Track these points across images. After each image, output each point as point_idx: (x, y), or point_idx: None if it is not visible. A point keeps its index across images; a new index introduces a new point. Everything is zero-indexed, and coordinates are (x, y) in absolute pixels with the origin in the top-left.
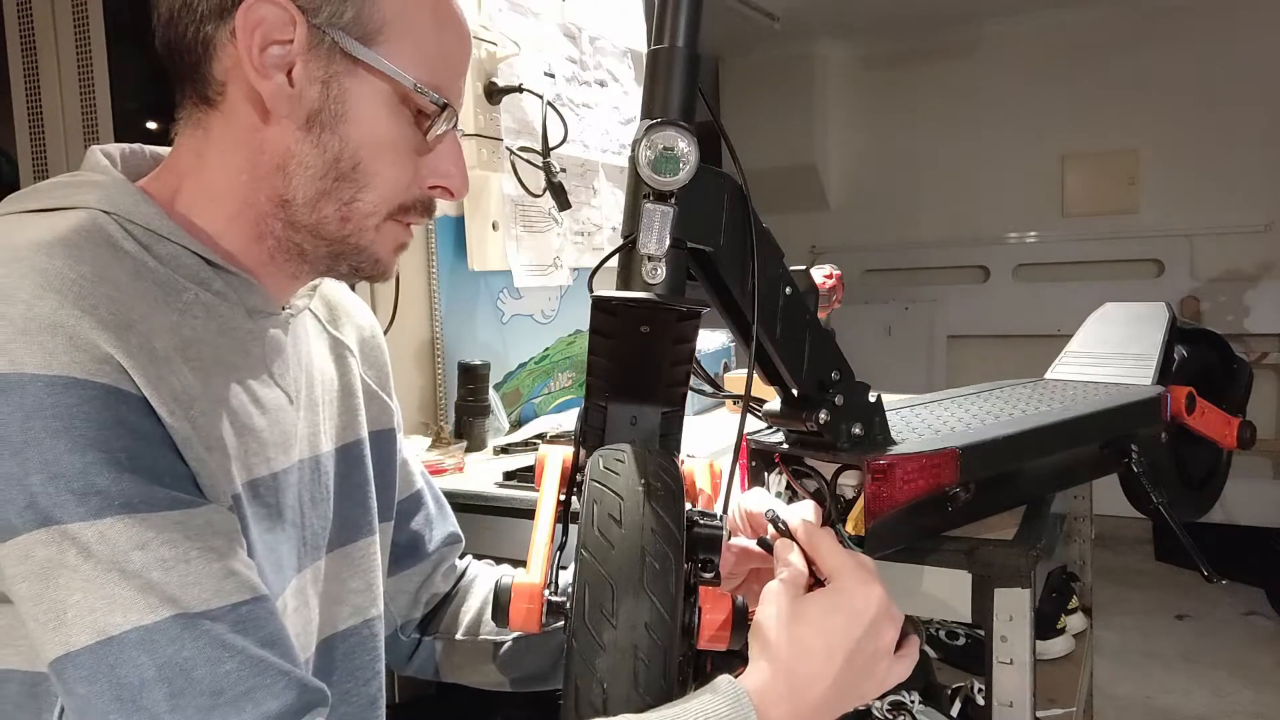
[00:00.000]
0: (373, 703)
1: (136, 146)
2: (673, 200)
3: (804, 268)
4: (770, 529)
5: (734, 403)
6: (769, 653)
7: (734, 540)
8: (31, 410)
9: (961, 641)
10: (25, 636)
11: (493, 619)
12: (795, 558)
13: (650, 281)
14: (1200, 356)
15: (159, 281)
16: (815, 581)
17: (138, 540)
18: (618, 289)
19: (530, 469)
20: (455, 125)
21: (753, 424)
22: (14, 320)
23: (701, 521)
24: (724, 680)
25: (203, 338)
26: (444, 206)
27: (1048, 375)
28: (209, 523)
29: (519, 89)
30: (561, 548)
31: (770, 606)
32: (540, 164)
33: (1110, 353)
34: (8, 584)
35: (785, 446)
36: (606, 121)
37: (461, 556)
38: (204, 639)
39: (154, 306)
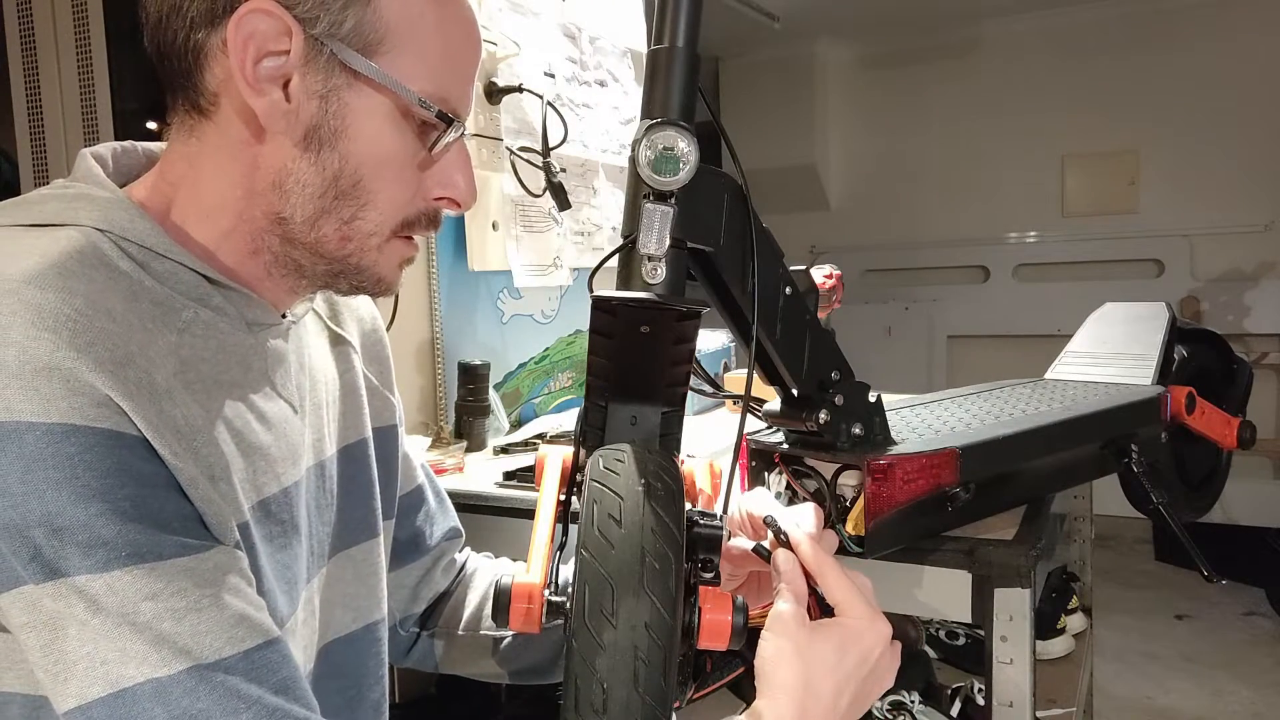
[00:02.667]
0: (376, 707)
1: (129, 145)
2: (673, 200)
3: (804, 268)
4: (769, 535)
5: (734, 403)
6: (780, 695)
7: (735, 541)
8: (32, 461)
9: (961, 641)
10: (25, 661)
11: (492, 619)
12: (795, 575)
13: (650, 281)
14: (1200, 356)
15: (156, 301)
16: (811, 591)
17: (147, 591)
18: (618, 289)
19: (530, 469)
20: (462, 134)
21: (753, 424)
22: (7, 364)
23: (701, 521)
24: None
25: (202, 357)
26: None
27: (1048, 375)
28: (217, 566)
29: (519, 89)
30: (561, 547)
31: (779, 640)
32: (540, 164)
33: (1110, 353)
34: (14, 631)
35: (785, 446)
36: (606, 121)
37: (460, 550)
38: (219, 690)
39: (151, 331)
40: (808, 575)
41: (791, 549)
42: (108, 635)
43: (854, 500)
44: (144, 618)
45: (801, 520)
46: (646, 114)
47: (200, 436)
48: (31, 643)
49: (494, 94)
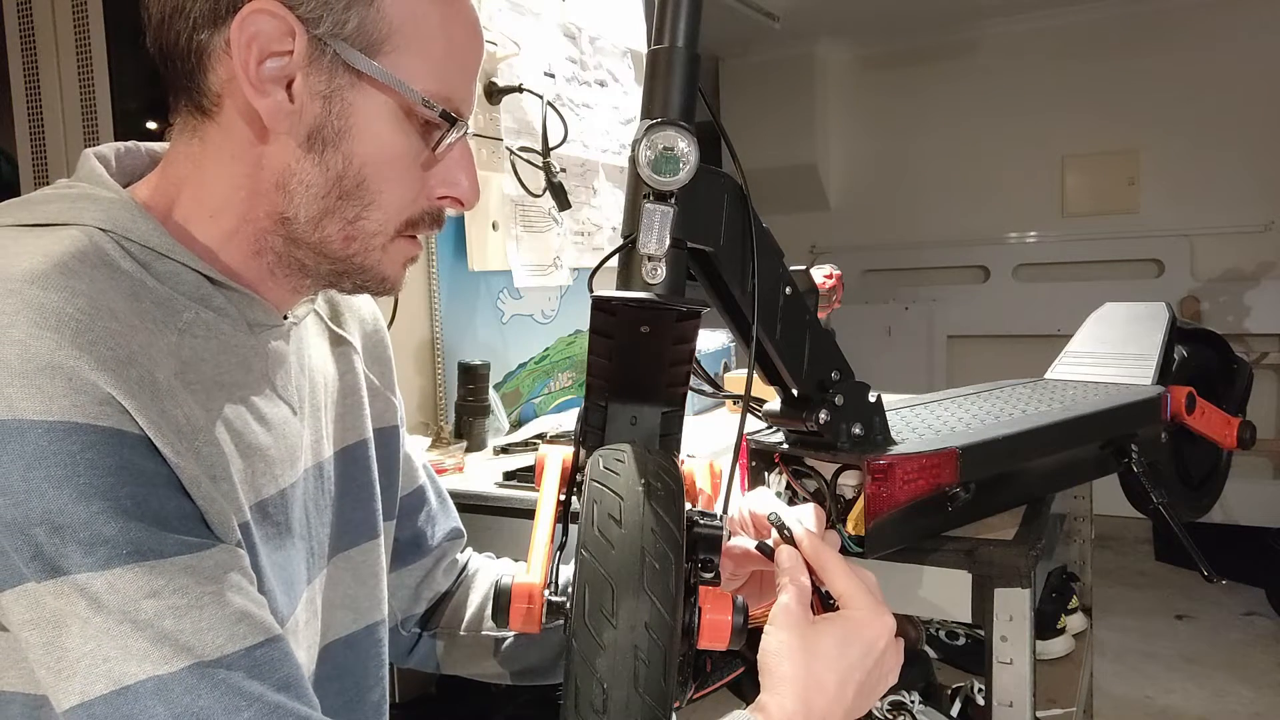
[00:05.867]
0: (377, 708)
1: (132, 145)
2: (673, 200)
3: (804, 268)
4: (774, 533)
5: (734, 403)
6: (783, 689)
7: (735, 541)
8: (33, 459)
9: (961, 641)
10: (26, 661)
11: (492, 619)
12: (799, 571)
13: (650, 281)
14: (1200, 356)
15: (158, 301)
16: (814, 590)
17: (148, 589)
18: (618, 289)
19: (530, 469)
20: (465, 133)
21: (753, 424)
22: (9, 363)
23: (701, 521)
24: (740, 716)
25: (203, 358)
26: None
27: (1048, 375)
28: (219, 564)
29: (519, 89)
30: (561, 548)
31: (782, 633)
32: (540, 164)
33: (1110, 353)
34: (15, 629)
35: (785, 446)
36: (606, 121)
37: (461, 551)
38: (220, 688)
39: (153, 331)
40: (811, 571)
41: (795, 546)
42: (109, 633)
43: (854, 500)
44: (145, 615)
45: (804, 520)
46: (646, 114)
47: (201, 436)
48: (33, 641)
49: (494, 94)
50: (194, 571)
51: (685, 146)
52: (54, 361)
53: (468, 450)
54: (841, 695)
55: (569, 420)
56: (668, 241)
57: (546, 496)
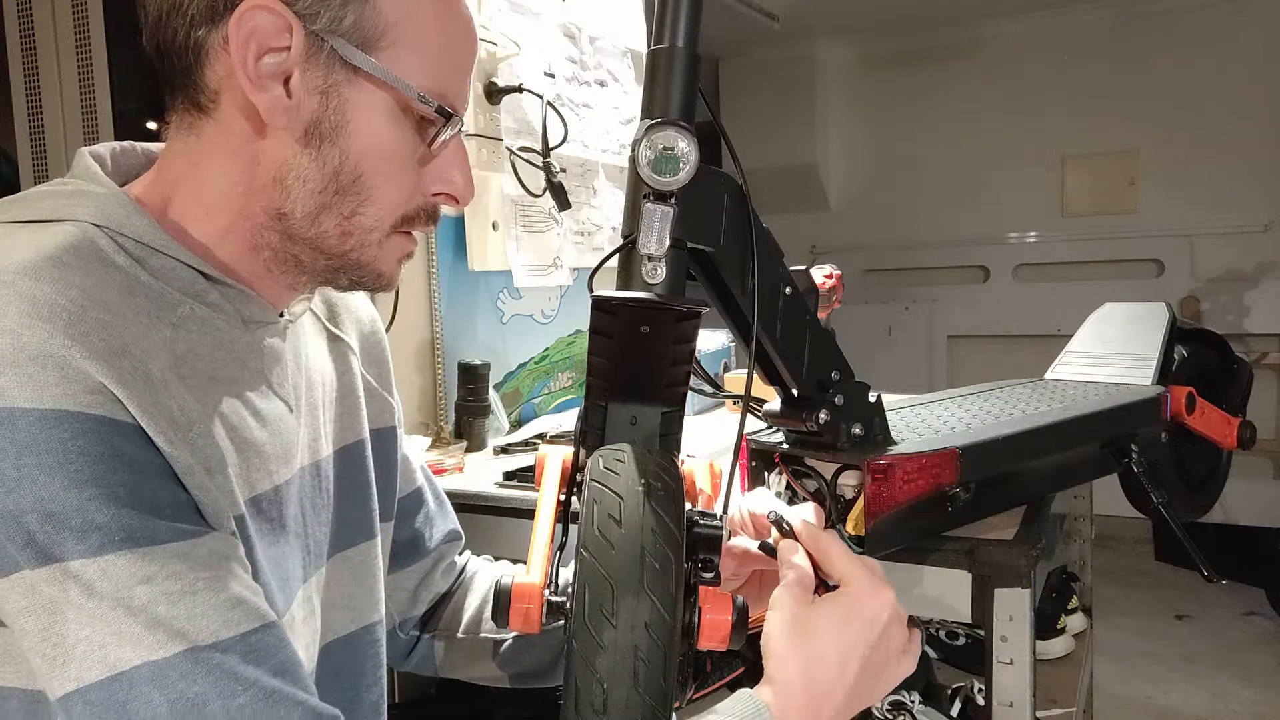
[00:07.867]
0: (375, 709)
1: (128, 145)
2: (673, 200)
3: (804, 268)
4: (774, 531)
5: (734, 403)
6: (786, 666)
7: (736, 541)
8: (24, 446)
9: (961, 641)
10: (23, 656)
11: (492, 619)
12: (800, 559)
13: (650, 281)
14: (1200, 356)
15: (152, 297)
16: (821, 583)
17: (142, 575)
18: (618, 289)
19: (530, 469)
20: (460, 130)
21: (753, 424)
22: (1, 352)
23: (701, 521)
24: (744, 694)
25: (198, 353)
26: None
27: (1048, 375)
28: (212, 551)
29: (519, 89)
30: (561, 548)
31: (781, 613)
32: (540, 164)
33: (1110, 353)
34: (10, 618)
35: (785, 446)
36: (606, 121)
37: (460, 553)
38: (215, 672)
39: (147, 325)
40: (814, 563)
41: (796, 540)
42: (103, 619)
43: (854, 500)
44: (139, 601)
45: (803, 516)
46: (646, 114)
47: (196, 428)
48: (29, 628)
49: (494, 94)
50: (187, 558)
51: (685, 146)
52: (46, 351)
53: (468, 450)
54: (844, 671)
55: (569, 420)
56: (668, 241)
57: (546, 496)
